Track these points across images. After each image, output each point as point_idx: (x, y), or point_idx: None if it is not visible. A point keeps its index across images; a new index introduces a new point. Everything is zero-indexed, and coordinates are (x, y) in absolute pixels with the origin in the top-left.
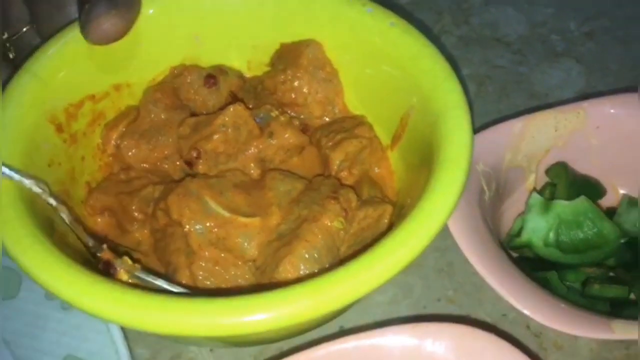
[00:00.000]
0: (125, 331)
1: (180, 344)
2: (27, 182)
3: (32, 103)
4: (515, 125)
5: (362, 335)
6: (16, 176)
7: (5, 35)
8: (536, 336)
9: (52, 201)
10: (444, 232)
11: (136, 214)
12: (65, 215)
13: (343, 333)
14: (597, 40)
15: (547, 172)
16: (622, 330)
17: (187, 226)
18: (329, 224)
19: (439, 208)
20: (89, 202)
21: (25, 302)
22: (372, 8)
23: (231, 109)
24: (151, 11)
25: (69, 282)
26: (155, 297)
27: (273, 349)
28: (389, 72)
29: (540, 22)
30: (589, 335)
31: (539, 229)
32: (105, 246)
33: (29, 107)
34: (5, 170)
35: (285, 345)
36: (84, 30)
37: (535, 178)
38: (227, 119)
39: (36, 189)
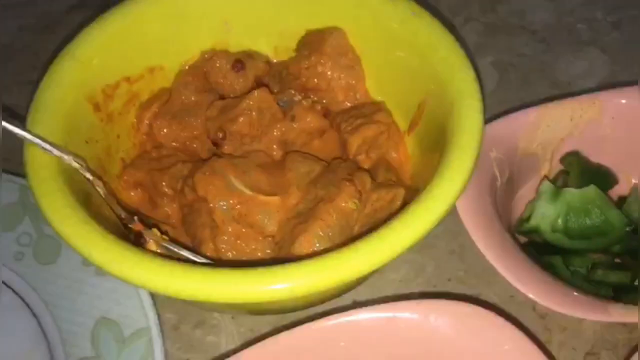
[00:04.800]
0: (154, 297)
1: (204, 310)
2: (66, 158)
3: (72, 84)
4: (531, 114)
5: (370, 308)
6: (55, 151)
7: None
8: (542, 317)
9: (89, 175)
10: (457, 216)
11: (166, 189)
12: (100, 188)
13: (355, 306)
14: (624, 30)
15: (562, 160)
16: (619, 314)
17: (212, 203)
18: (344, 204)
19: (446, 191)
20: (123, 177)
21: (63, 267)
22: None
23: (255, 94)
24: None
25: (103, 249)
26: (181, 265)
27: (290, 318)
28: (408, 59)
29: (567, 11)
30: (587, 316)
31: (547, 215)
32: (136, 218)
33: (69, 88)
34: (46, 145)
35: (302, 314)
36: None
37: (549, 166)
38: (251, 102)
39: (74, 164)
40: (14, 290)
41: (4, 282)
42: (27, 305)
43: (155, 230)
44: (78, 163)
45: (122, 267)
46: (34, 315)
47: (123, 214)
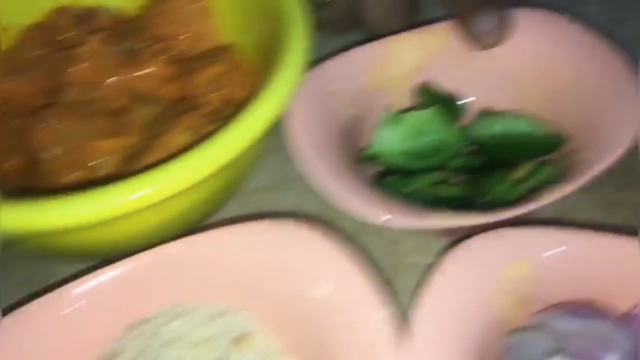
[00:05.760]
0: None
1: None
2: None
3: None
4: (375, 48)
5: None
6: None
7: None
8: (392, 243)
9: None
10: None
11: (9, 143)
12: None
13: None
14: None
15: (414, 92)
16: (434, 220)
17: (48, 151)
18: (176, 139)
19: (264, 108)
20: None
21: None
22: None
23: (95, 39)
24: None
25: None
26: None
27: None
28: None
29: None
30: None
31: (388, 139)
32: None
33: None
34: None
35: None
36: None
37: (402, 99)
38: (93, 47)
39: None
40: None
41: None
42: None
43: None
44: None
45: None
46: None
47: None
